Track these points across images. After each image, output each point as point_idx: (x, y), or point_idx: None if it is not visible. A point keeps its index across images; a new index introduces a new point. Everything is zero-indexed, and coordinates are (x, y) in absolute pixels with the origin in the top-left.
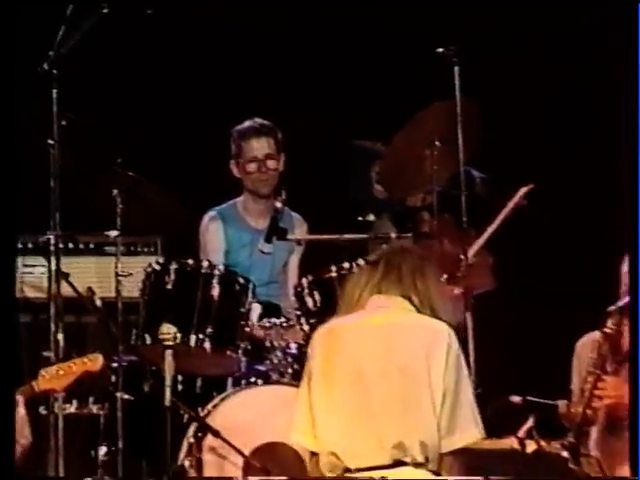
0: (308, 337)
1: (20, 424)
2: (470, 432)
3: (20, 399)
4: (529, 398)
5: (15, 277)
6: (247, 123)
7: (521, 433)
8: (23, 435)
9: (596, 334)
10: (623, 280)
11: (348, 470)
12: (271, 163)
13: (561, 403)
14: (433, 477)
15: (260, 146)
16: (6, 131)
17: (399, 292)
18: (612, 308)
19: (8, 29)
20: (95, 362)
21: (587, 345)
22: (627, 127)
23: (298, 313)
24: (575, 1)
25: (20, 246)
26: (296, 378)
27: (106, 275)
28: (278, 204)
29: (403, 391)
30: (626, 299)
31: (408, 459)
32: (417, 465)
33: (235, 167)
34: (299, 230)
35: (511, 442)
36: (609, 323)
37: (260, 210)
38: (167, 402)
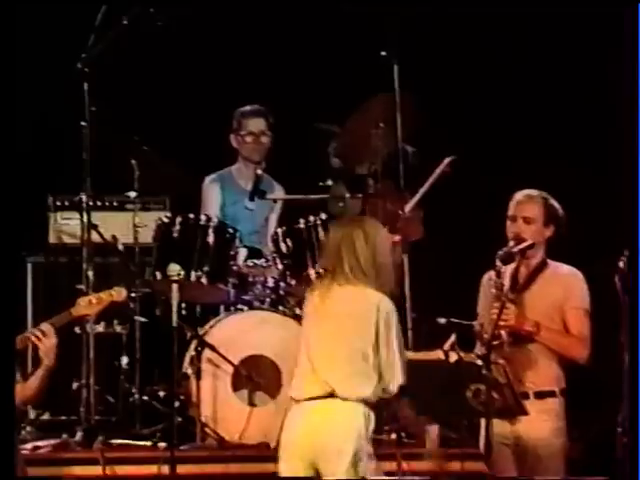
0: (283, 273)
1: (49, 348)
2: (393, 384)
3: (51, 329)
4: (452, 319)
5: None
6: (248, 106)
7: (445, 347)
8: (49, 358)
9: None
10: (509, 229)
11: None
12: (264, 138)
13: (476, 323)
14: (358, 408)
15: (257, 123)
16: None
17: (359, 270)
18: (500, 252)
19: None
20: (120, 294)
21: (486, 281)
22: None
23: (274, 255)
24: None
25: (59, 204)
26: (273, 305)
27: (126, 226)
28: (259, 171)
29: (341, 347)
30: (511, 244)
31: (338, 393)
32: (343, 399)
33: (234, 139)
34: (276, 192)
35: (437, 354)
36: (497, 263)
37: (250, 175)
38: (174, 323)
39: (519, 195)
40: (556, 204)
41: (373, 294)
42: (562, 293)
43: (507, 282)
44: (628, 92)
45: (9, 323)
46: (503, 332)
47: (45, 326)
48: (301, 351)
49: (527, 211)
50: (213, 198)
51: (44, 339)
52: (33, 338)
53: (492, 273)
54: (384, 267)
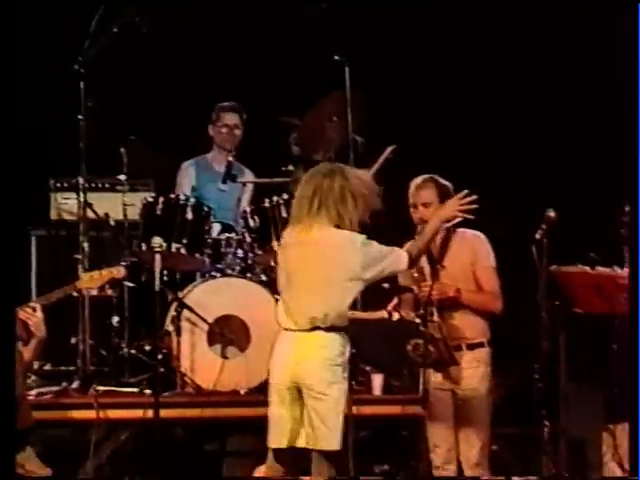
0: (251, 245)
1: (38, 323)
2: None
3: (37, 305)
4: (388, 285)
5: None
6: (226, 103)
7: (389, 308)
8: (40, 331)
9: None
10: (414, 216)
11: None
12: (236, 130)
13: (415, 288)
14: (334, 337)
15: (232, 117)
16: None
17: (326, 213)
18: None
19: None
20: (119, 272)
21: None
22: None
23: (244, 230)
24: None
25: (59, 185)
26: (242, 272)
27: (117, 205)
28: (230, 158)
29: (320, 282)
30: (419, 229)
31: (321, 325)
32: (326, 329)
33: (212, 129)
34: (246, 176)
35: (382, 314)
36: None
37: (223, 160)
38: (157, 288)
39: (413, 184)
40: (445, 182)
41: (344, 232)
42: (471, 255)
43: (424, 257)
44: (628, 92)
45: (13, 292)
46: (435, 299)
47: (33, 303)
48: (283, 286)
49: (423, 197)
50: (186, 180)
51: (32, 315)
52: (22, 315)
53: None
54: (352, 208)
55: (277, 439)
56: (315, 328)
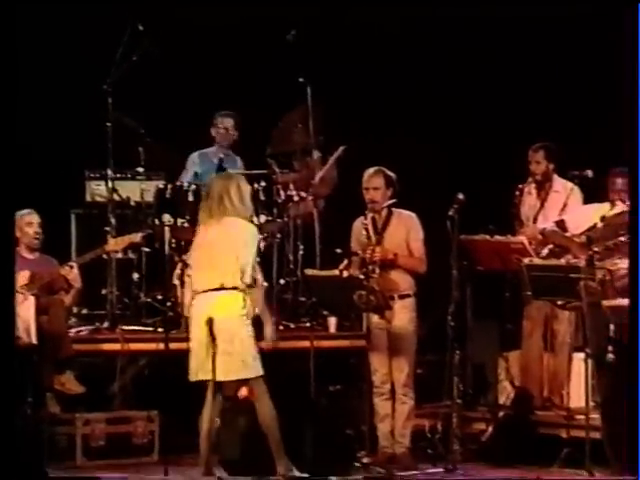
0: None
1: (74, 277)
2: (245, 279)
3: (74, 264)
4: (340, 250)
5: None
6: (224, 111)
7: (340, 267)
8: (77, 282)
9: (361, 218)
10: (365, 196)
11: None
12: (232, 131)
13: (361, 253)
14: (238, 295)
15: (228, 122)
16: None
17: (229, 209)
18: (366, 211)
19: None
20: (136, 237)
21: (358, 225)
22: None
23: None
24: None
25: (92, 175)
26: None
27: (136, 190)
28: (221, 155)
29: (224, 255)
30: (370, 206)
31: (225, 285)
32: (228, 289)
33: (213, 130)
34: (238, 167)
35: (335, 272)
36: (365, 216)
37: (219, 155)
38: (166, 252)
39: (366, 173)
40: (390, 173)
41: (242, 222)
42: (405, 229)
43: (370, 228)
44: (628, 92)
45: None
46: (376, 260)
47: (71, 262)
48: (198, 259)
49: (373, 183)
50: (192, 167)
51: (71, 271)
52: (63, 271)
53: (361, 222)
54: (247, 206)
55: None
56: (220, 287)
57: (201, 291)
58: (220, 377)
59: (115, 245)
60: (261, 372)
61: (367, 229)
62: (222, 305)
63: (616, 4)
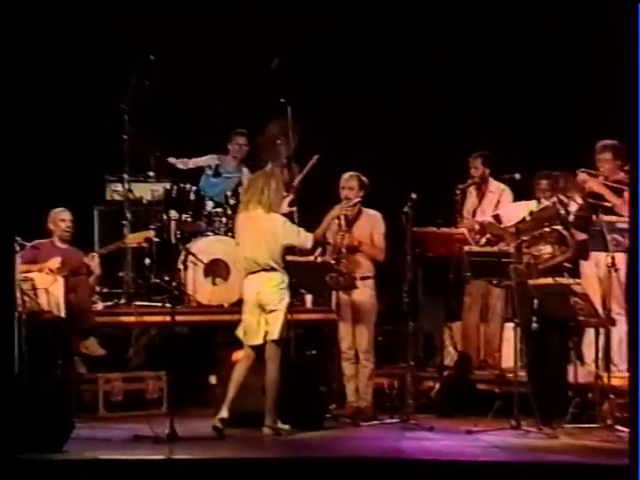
0: (231, 216)
1: (96, 265)
2: (307, 242)
3: (96, 254)
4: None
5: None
6: (238, 129)
7: (315, 254)
8: (97, 269)
9: (337, 207)
10: (342, 194)
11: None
12: (244, 147)
13: (332, 240)
14: (275, 274)
15: (241, 139)
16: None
17: (259, 200)
18: (341, 204)
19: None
20: (150, 233)
21: (331, 218)
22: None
23: (227, 206)
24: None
25: (111, 179)
26: (225, 233)
27: (148, 191)
28: (217, 162)
29: (262, 240)
30: (344, 202)
31: (264, 267)
32: (266, 270)
33: (229, 145)
34: (243, 174)
35: (310, 258)
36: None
37: (226, 164)
38: (173, 241)
39: (344, 177)
40: (364, 178)
41: (274, 214)
42: (370, 225)
43: (343, 221)
44: (629, 92)
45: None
46: (343, 247)
47: (93, 253)
48: (240, 247)
49: (349, 184)
50: (206, 160)
51: (92, 260)
52: (86, 260)
53: (335, 213)
54: (279, 200)
55: (251, 338)
56: (261, 269)
57: (247, 273)
58: (264, 339)
59: (132, 240)
60: (284, 335)
61: (339, 221)
62: (266, 282)
63: (616, 4)
